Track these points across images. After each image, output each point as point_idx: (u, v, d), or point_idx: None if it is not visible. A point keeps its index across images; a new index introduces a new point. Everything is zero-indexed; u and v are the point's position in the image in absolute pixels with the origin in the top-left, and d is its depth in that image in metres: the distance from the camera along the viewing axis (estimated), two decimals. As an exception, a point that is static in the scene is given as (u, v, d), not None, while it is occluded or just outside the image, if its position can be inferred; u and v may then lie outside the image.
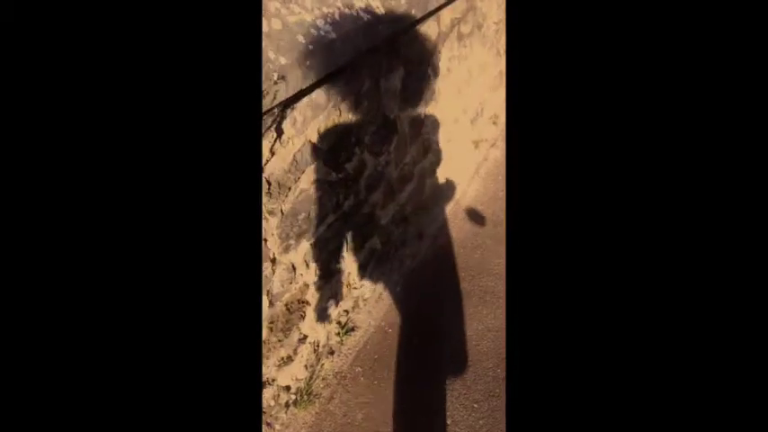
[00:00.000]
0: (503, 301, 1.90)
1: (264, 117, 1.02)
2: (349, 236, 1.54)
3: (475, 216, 2.40)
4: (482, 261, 2.12)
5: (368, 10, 1.27)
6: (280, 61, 0.97)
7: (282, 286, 1.27)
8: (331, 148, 1.34)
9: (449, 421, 1.47)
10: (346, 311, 1.62)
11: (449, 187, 2.41)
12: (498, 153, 2.83)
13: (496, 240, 2.23)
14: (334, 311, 1.55)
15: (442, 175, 2.29)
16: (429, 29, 1.74)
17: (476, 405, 1.51)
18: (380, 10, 1.31)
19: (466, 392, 1.55)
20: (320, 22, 1.11)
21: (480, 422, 1.45)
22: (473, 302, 1.90)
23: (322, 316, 1.49)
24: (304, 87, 1.06)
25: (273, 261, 1.22)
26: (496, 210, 2.42)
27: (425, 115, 1.93)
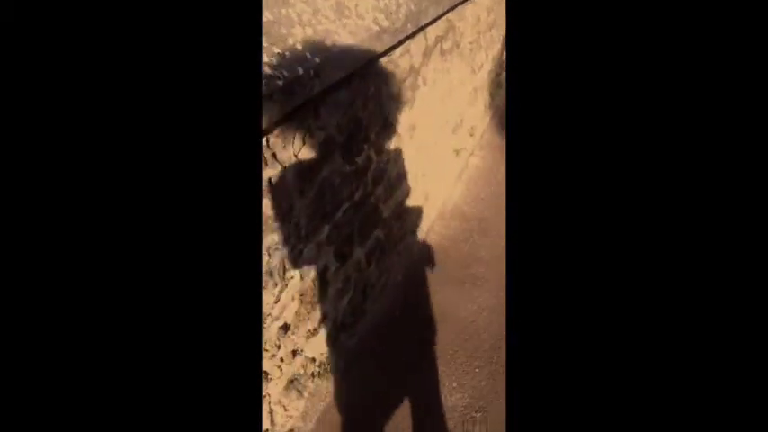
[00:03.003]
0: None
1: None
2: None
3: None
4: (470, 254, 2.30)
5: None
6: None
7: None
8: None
9: (455, 384, 1.68)
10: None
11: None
12: (476, 160, 3.09)
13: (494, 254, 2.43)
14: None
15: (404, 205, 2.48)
16: (401, 59, 1.97)
17: (477, 370, 1.72)
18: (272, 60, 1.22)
19: (467, 360, 1.76)
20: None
21: (482, 383, 1.69)
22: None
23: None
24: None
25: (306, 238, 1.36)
26: (481, 208, 2.65)
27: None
